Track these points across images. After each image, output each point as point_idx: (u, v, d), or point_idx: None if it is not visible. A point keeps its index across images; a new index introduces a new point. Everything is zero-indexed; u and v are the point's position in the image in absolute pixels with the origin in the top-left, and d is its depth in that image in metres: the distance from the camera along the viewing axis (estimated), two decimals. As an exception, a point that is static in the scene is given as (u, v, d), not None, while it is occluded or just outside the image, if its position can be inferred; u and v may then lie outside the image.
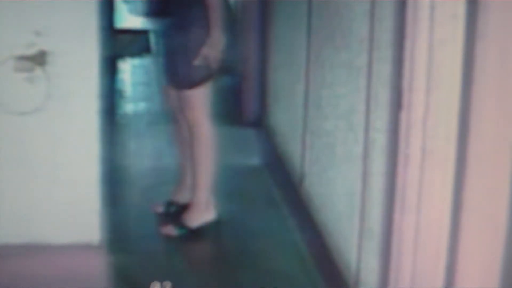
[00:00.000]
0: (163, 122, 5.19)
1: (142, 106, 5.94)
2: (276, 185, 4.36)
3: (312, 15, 3.66)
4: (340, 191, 3.16)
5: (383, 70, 2.58)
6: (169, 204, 3.94)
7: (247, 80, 5.26)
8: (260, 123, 5.04)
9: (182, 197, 3.93)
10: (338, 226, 3.18)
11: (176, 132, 4.00)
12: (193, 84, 3.75)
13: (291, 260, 3.53)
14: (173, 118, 3.99)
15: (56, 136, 2.99)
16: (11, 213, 3.03)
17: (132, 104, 6.01)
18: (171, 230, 3.72)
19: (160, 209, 3.93)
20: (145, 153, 4.85)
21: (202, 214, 3.77)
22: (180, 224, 3.73)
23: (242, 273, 3.40)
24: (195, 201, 3.77)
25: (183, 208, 3.87)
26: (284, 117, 4.40)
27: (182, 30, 3.74)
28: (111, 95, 5.42)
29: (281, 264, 3.49)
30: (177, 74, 3.80)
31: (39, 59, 2.90)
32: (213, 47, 3.69)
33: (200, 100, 3.81)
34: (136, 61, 7.02)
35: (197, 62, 3.69)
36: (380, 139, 2.63)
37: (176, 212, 3.89)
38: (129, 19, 7.89)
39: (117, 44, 6.34)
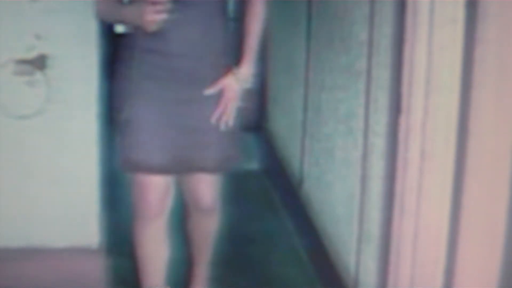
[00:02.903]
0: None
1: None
2: (275, 188, 4.36)
3: (311, 19, 3.66)
4: (339, 195, 3.16)
5: (383, 74, 2.59)
6: None
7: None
8: (259, 127, 5.04)
9: None
10: (337, 229, 3.18)
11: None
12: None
13: (290, 263, 3.53)
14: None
15: (55, 140, 2.99)
16: (10, 216, 3.03)
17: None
18: None
19: None
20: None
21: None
22: None
23: (241, 277, 3.40)
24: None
25: None
26: (284, 121, 4.40)
27: (208, 70, 2.67)
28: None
29: (280, 268, 3.49)
30: (221, 150, 2.77)
31: (39, 62, 2.90)
32: (241, 85, 2.74)
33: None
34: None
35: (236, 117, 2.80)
36: (379, 143, 2.64)
37: None
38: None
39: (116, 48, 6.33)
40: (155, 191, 2.74)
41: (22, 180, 3.01)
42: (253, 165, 4.73)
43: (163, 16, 2.51)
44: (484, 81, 2.21)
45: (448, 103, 2.29)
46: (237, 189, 4.14)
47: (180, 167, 2.73)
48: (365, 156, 2.79)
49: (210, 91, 2.66)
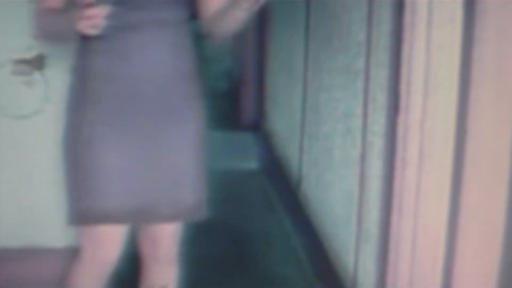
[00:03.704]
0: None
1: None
2: (273, 188, 4.36)
3: (310, 18, 3.66)
4: (338, 195, 3.16)
5: (381, 73, 2.59)
6: None
7: (245, 83, 5.27)
8: (257, 126, 5.04)
9: None
10: (335, 229, 3.18)
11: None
12: (205, 202, 2.48)
13: (289, 263, 3.53)
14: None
15: (54, 140, 2.98)
16: (8, 216, 3.03)
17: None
18: None
19: None
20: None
21: None
22: None
23: (240, 277, 3.40)
24: None
25: None
26: (282, 121, 4.40)
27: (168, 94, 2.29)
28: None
29: (279, 268, 3.49)
30: (188, 191, 2.38)
31: (38, 62, 2.90)
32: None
33: None
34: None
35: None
36: (377, 142, 2.64)
37: None
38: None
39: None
40: (113, 241, 2.40)
41: (21, 180, 3.00)
42: (252, 164, 4.73)
43: (100, 21, 2.06)
44: (482, 81, 2.21)
45: (447, 103, 2.29)
46: (236, 189, 4.14)
47: (143, 217, 2.35)
48: (363, 156, 2.79)
49: None
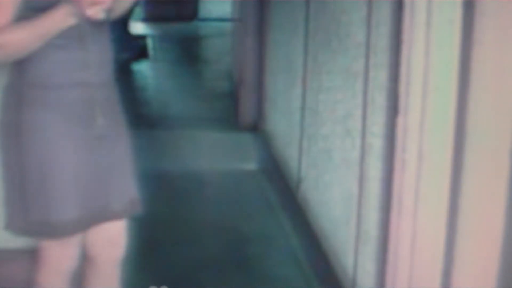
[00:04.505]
0: (159, 127, 5.19)
1: (138, 111, 5.93)
2: (272, 189, 4.36)
3: (309, 20, 3.66)
4: (337, 196, 3.16)
5: (380, 75, 2.59)
6: None
7: (244, 84, 5.27)
8: (257, 127, 5.04)
9: None
10: (334, 230, 3.18)
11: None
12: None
13: (288, 264, 3.53)
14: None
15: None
16: (7, 218, 3.02)
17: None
18: None
19: None
20: (141, 157, 4.84)
21: None
22: None
23: (239, 278, 3.40)
24: None
25: None
26: (281, 122, 4.40)
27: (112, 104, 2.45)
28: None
29: (278, 269, 3.49)
30: (130, 186, 2.50)
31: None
32: None
33: None
34: (133, 67, 7.02)
35: None
36: (376, 143, 2.64)
37: None
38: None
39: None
40: (73, 241, 2.45)
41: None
42: (251, 165, 4.73)
43: (109, 3, 2.24)
44: (481, 82, 2.21)
45: (446, 104, 2.29)
46: (235, 190, 4.14)
47: (98, 218, 2.43)
48: (362, 157, 2.79)
49: None
